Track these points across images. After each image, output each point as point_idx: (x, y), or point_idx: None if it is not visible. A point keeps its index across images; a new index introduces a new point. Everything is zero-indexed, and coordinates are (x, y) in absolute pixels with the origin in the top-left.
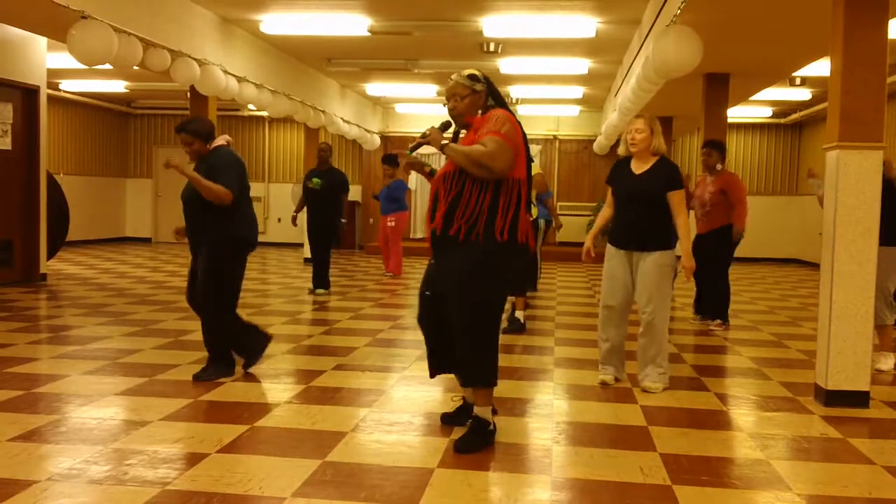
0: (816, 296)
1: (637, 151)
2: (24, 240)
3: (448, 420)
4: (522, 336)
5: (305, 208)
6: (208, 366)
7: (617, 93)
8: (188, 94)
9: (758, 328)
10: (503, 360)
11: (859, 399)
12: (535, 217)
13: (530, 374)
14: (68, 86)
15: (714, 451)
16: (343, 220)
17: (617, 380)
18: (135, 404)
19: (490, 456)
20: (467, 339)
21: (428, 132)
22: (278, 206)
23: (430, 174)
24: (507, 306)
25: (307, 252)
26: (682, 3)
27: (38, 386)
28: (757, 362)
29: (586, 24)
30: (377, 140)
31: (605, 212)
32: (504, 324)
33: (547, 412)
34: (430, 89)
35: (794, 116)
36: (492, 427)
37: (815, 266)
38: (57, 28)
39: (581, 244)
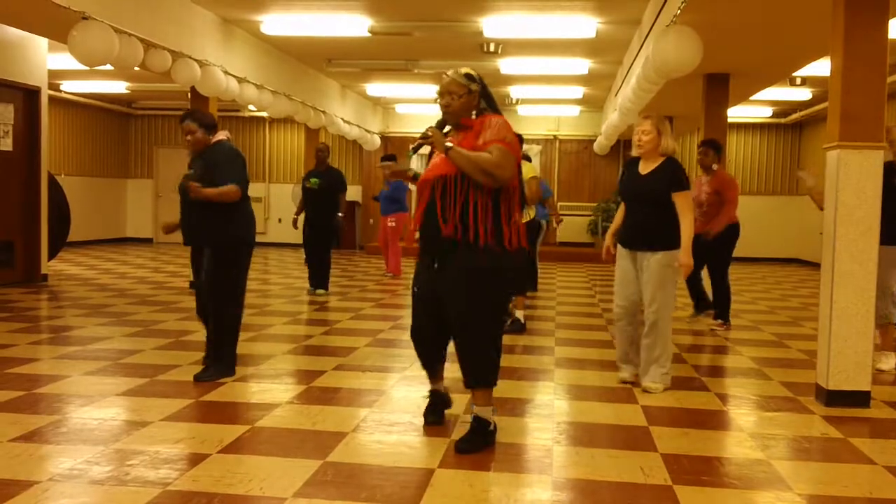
0: (817, 296)
1: (643, 153)
2: (26, 240)
3: (432, 418)
4: (523, 336)
5: (305, 209)
6: (209, 366)
7: (617, 93)
8: (189, 94)
9: (759, 328)
10: (503, 361)
11: (860, 399)
12: (533, 217)
13: (531, 375)
14: (69, 86)
15: (715, 451)
16: (340, 214)
17: (636, 377)
18: (136, 405)
19: (491, 456)
20: (471, 340)
21: (430, 133)
22: (279, 206)
23: (413, 178)
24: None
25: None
26: (683, 3)
27: (39, 386)
28: (758, 362)
29: (586, 25)
30: (377, 140)
31: (622, 212)
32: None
33: (547, 412)
34: (431, 90)
35: (794, 116)
36: (492, 427)
37: (815, 266)
38: (58, 29)
39: (581, 244)
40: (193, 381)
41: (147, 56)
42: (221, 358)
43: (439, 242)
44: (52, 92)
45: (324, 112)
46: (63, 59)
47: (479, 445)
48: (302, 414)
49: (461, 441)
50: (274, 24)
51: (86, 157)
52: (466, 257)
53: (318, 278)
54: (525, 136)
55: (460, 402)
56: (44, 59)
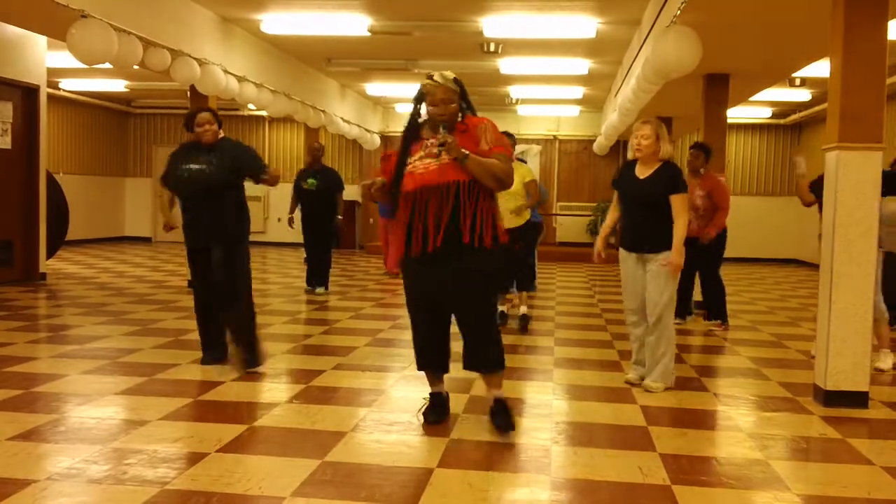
0: (816, 296)
1: (642, 157)
2: (24, 239)
3: (433, 417)
4: (522, 336)
5: (302, 209)
6: (247, 356)
7: (617, 93)
8: (188, 93)
9: (757, 328)
10: None
11: (858, 399)
12: (529, 218)
13: (530, 374)
14: (68, 85)
15: (713, 451)
16: (339, 217)
17: (643, 379)
18: (134, 403)
19: (490, 456)
20: (484, 333)
21: (449, 140)
22: (278, 205)
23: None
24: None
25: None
26: (683, 3)
27: (38, 385)
28: (756, 362)
29: (586, 25)
30: (377, 140)
31: (613, 214)
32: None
33: (546, 412)
34: None
35: (793, 117)
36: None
37: (814, 267)
38: (57, 27)
39: (581, 244)
40: (244, 369)
41: (146, 55)
42: (254, 343)
43: (457, 248)
44: (50, 90)
45: (323, 111)
46: (62, 58)
47: (513, 421)
48: (301, 413)
49: (502, 422)
50: (273, 22)
51: (84, 156)
52: (475, 259)
53: (318, 277)
54: (525, 137)
55: (459, 401)
56: (43, 57)
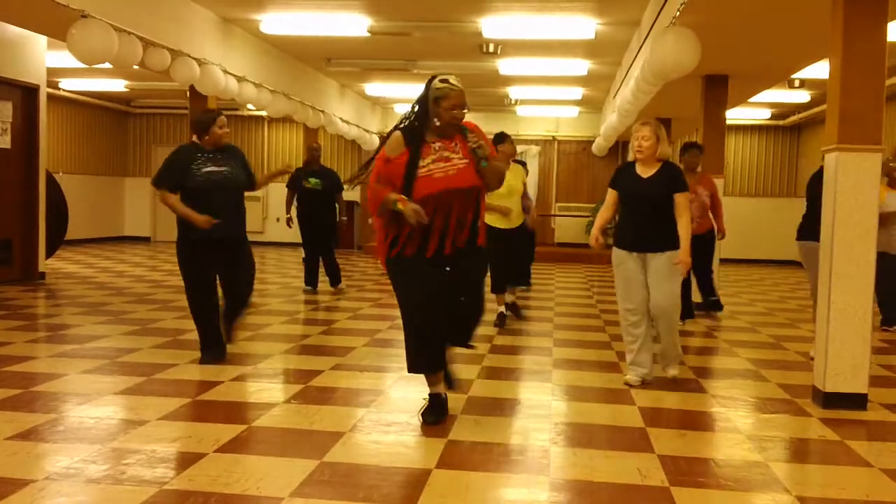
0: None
1: (643, 158)
2: (23, 238)
3: (431, 418)
4: (521, 336)
5: (301, 208)
6: (220, 343)
7: (616, 94)
8: (188, 93)
9: (756, 330)
10: (501, 361)
11: (857, 401)
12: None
13: (528, 375)
14: (68, 84)
15: (712, 452)
16: (344, 218)
17: (644, 381)
18: (133, 403)
19: (488, 456)
20: (478, 318)
21: (483, 143)
22: (277, 205)
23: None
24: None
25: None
26: (682, 4)
27: (36, 384)
28: (755, 364)
29: (586, 26)
30: (376, 140)
31: (606, 214)
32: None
33: (545, 413)
34: None
35: (793, 118)
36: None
37: None
38: (57, 27)
39: (579, 245)
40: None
41: (146, 55)
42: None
43: (467, 248)
44: (50, 90)
45: (322, 111)
46: (62, 57)
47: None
48: (299, 413)
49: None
50: (273, 23)
51: (84, 156)
52: (476, 258)
53: (333, 277)
54: (524, 137)
55: (457, 402)
56: (43, 56)
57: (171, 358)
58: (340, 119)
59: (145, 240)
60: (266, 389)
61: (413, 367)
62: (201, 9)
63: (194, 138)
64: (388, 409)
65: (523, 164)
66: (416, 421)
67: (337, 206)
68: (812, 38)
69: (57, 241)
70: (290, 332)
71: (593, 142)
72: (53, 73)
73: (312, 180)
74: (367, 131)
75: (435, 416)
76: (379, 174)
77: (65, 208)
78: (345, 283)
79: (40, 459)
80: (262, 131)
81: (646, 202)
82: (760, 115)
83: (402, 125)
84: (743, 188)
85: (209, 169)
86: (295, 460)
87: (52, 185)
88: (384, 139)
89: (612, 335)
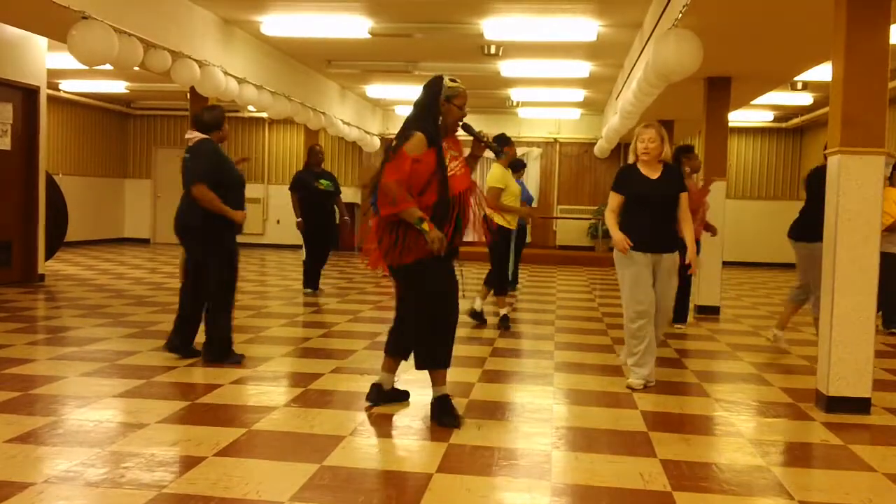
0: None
1: (649, 160)
2: (23, 240)
3: (455, 420)
4: (523, 339)
5: (310, 210)
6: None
7: (618, 96)
8: (188, 95)
9: (758, 333)
10: (502, 365)
11: (860, 405)
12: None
13: (530, 379)
14: (68, 86)
15: (714, 457)
16: (346, 218)
17: (647, 385)
18: (132, 406)
19: (489, 461)
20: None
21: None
22: (277, 207)
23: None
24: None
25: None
26: (684, 6)
27: (36, 387)
28: (758, 368)
29: (587, 28)
30: (377, 142)
31: (617, 217)
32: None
33: (547, 417)
34: None
35: (795, 121)
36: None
37: None
38: (57, 28)
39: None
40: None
41: (147, 56)
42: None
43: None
44: (50, 91)
45: (323, 113)
46: (62, 59)
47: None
48: (299, 417)
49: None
50: (274, 24)
51: (84, 157)
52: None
53: (318, 279)
54: (525, 139)
55: (460, 405)
56: (43, 58)
57: (170, 361)
58: (341, 121)
59: (145, 242)
60: (266, 393)
61: (439, 362)
62: (202, 10)
63: (200, 135)
64: (389, 413)
65: (524, 164)
66: (417, 424)
67: (336, 207)
68: (814, 41)
69: (56, 242)
70: (290, 335)
71: (595, 144)
72: (54, 75)
73: (324, 182)
74: (367, 133)
75: (455, 416)
76: (404, 173)
77: (64, 210)
78: (344, 284)
79: (39, 462)
80: (262, 133)
81: (657, 202)
82: (763, 118)
83: (418, 126)
84: (745, 191)
85: (235, 167)
86: (295, 464)
87: (52, 186)
88: (401, 139)
89: (614, 338)
